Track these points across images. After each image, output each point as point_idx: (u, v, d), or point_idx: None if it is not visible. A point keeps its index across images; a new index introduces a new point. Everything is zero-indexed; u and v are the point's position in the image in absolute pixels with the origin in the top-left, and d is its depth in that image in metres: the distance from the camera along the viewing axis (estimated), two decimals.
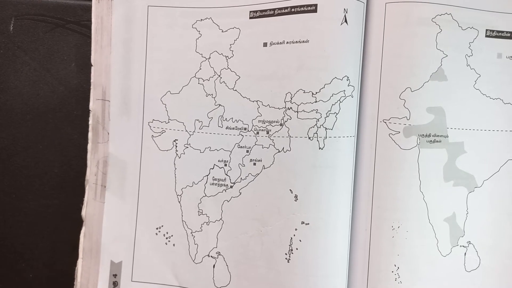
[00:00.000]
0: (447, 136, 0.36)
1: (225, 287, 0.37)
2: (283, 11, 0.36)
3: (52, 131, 0.40)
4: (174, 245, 0.38)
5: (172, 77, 0.38)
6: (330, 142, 0.35)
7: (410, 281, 0.36)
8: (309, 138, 0.35)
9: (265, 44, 0.36)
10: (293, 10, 0.35)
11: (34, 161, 0.40)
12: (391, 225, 0.36)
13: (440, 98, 0.36)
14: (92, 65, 0.39)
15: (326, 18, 0.35)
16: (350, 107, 0.36)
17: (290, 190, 0.36)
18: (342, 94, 0.35)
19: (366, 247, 0.36)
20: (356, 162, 0.36)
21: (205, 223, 0.38)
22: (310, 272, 0.35)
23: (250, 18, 0.37)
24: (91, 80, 0.39)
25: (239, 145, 0.37)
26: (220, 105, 0.37)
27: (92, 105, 0.39)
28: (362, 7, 0.36)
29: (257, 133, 0.37)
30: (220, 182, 0.38)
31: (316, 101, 0.35)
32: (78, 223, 0.39)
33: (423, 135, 0.36)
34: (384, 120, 0.36)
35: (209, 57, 0.38)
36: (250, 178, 0.37)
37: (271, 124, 0.36)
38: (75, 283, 0.39)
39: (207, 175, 0.38)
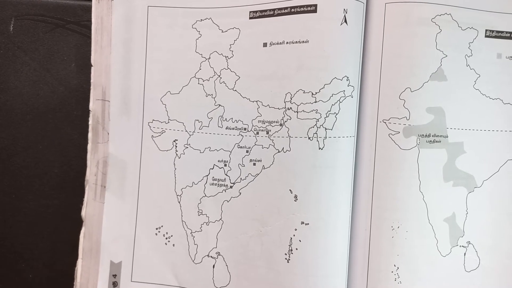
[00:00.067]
0: (447, 136, 0.36)
1: (225, 287, 0.37)
2: (283, 11, 0.36)
3: (52, 131, 0.40)
4: (173, 245, 0.38)
5: (172, 77, 0.38)
6: (330, 142, 0.35)
7: (409, 281, 0.36)
8: (309, 138, 0.35)
9: (265, 44, 0.36)
10: (293, 10, 0.35)
11: (34, 161, 0.40)
12: (390, 225, 0.36)
13: (440, 98, 0.36)
14: (92, 65, 0.39)
15: (326, 18, 0.35)
16: (350, 107, 0.36)
17: (290, 190, 0.36)
18: (342, 94, 0.35)
19: (365, 247, 0.36)
20: (356, 162, 0.37)
21: (204, 223, 0.38)
22: (310, 272, 0.35)
23: (250, 18, 0.37)
24: (91, 80, 0.39)
25: (239, 145, 0.37)
26: (220, 105, 0.37)
27: (92, 105, 0.39)
28: (362, 7, 0.36)
29: (257, 133, 0.37)
30: (220, 182, 0.38)
31: (316, 101, 0.35)
32: (78, 223, 0.39)
33: (423, 135, 0.36)
34: (384, 120, 0.36)
35: (209, 57, 0.38)
36: (250, 178, 0.37)
37: (271, 124, 0.36)
38: (75, 283, 0.39)
39: (207, 175, 0.38)
